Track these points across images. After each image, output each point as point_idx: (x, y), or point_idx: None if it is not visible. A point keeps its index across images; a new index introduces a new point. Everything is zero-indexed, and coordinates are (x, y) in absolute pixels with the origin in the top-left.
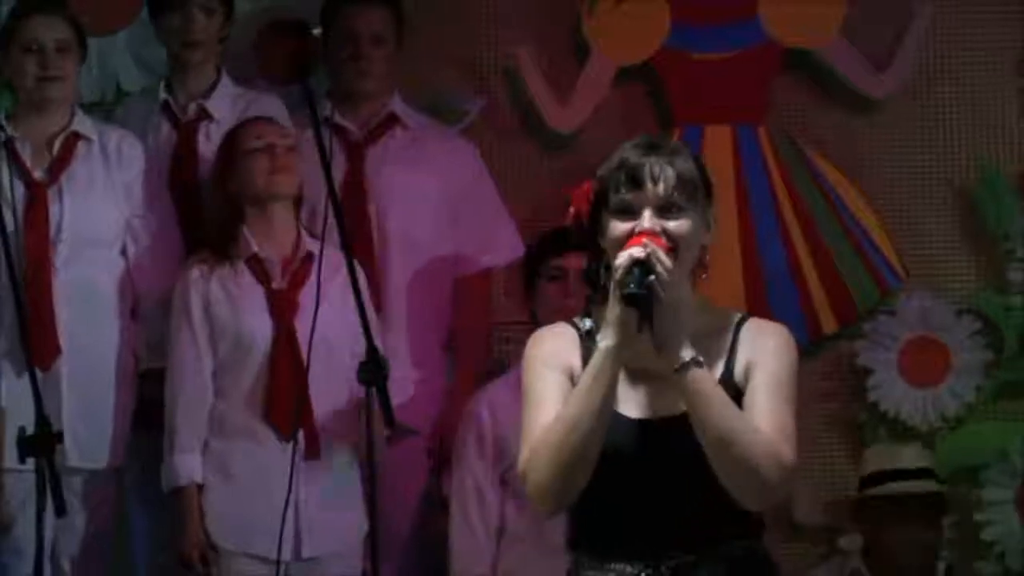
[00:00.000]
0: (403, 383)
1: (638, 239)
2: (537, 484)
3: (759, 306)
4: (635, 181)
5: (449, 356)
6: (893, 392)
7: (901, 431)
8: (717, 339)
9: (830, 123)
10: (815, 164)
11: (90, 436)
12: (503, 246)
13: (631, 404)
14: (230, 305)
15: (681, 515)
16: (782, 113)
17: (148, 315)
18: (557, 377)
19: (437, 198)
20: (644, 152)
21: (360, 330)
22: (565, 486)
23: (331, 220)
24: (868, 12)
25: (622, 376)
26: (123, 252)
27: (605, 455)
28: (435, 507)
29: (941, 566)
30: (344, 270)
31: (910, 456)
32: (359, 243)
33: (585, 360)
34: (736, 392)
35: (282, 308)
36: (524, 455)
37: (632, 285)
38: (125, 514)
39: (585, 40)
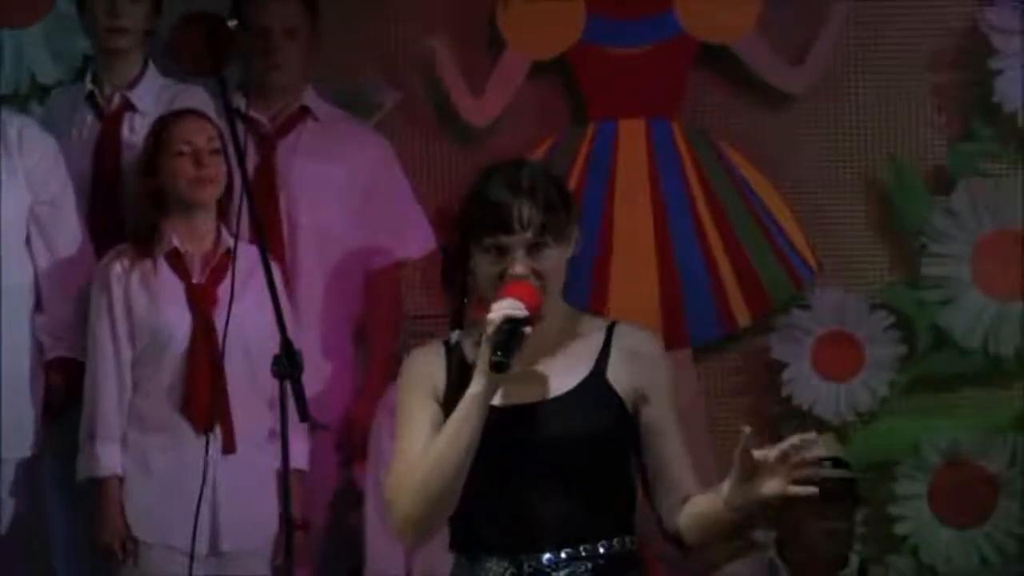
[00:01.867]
0: (314, 376)
1: (510, 290)
2: (401, 519)
3: (673, 299)
4: (502, 224)
5: (360, 349)
6: (806, 386)
7: (814, 425)
8: (584, 339)
9: (745, 118)
10: (729, 158)
11: (8, 426)
12: (415, 238)
13: (502, 393)
14: (149, 299)
15: (548, 509)
16: (697, 108)
17: (52, 304)
18: (424, 402)
19: (347, 190)
20: (510, 191)
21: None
22: (426, 521)
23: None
24: (783, 7)
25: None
26: (27, 241)
27: (482, 444)
28: (350, 501)
29: (855, 560)
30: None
31: (823, 446)
32: (271, 236)
33: (448, 373)
34: (607, 392)
35: (201, 302)
36: (390, 484)
37: (500, 353)
38: (41, 503)
39: (500, 34)
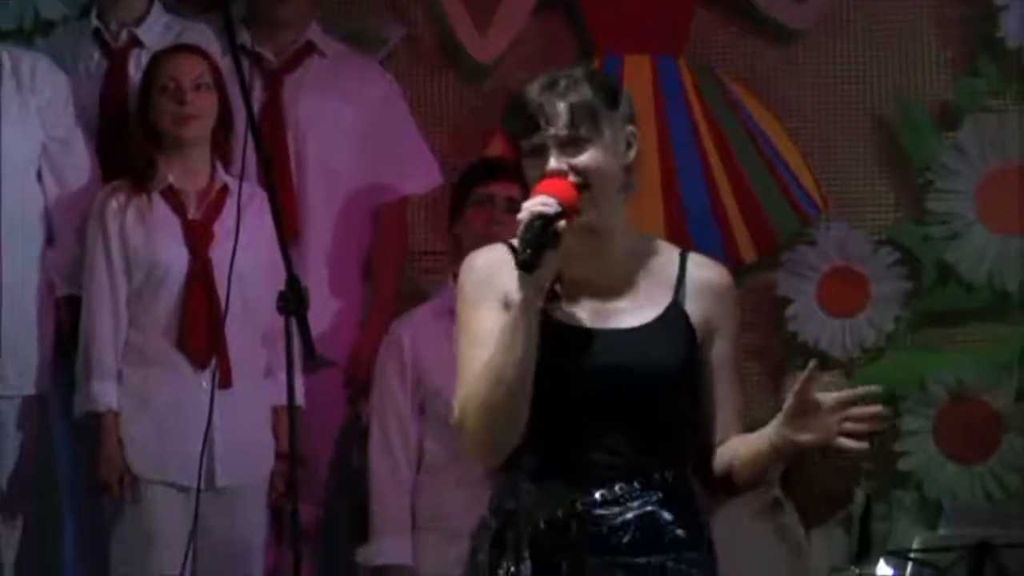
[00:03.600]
0: (322, 313)
1: (542, 186)
2: (471, 441)
3: (679, 236)
4: (534, 124)
5: (367, 286)
6: (812, 322)
7: (820, 360)
8: (659, 265)
9: (750, 54)
10: (735, 95)
11: (16, 364)
12: (420, 175)
13: (575, 314)
14: (146, 235)
15: (617, 435)
16: (702, 44)
17: (63, 242)
18: (492, 310)
19: (354, 127)
20: (539, 91)
21: (278, 260)
22: (497, 442)
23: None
24: None
25: (564, 287)
26: (39, 177)
27: (543, 365)
28: (355, 438)
29: (860, 495)
30: (259, 200)
31: (827, 382)
32: (278, 171)
33: None
34: (686, 323)
35: (198, 239)
36: (458, 405)
37: (528, 251)
38: (48, 440)
39: None
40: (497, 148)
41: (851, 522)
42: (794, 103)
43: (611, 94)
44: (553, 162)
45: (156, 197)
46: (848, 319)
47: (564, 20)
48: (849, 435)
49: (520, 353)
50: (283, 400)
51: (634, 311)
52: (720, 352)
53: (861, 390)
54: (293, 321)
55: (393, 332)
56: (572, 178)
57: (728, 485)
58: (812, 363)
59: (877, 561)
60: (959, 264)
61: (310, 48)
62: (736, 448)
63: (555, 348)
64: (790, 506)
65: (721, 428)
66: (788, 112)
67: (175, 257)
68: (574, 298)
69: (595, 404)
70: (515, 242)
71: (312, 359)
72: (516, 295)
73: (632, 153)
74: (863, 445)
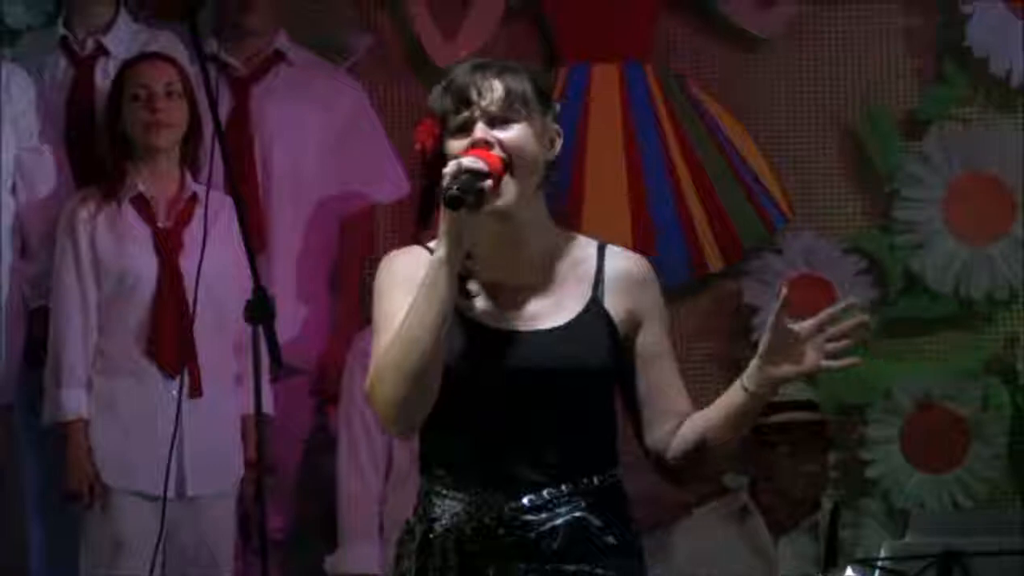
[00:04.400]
0: (290, 321)
1: (468, 152)
2: (382, 402)
3: (645, 242)
4: (463, 99)
5: (335, 293)
6: None
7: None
8: (577, 261)
9: (717, 61)
10: (702, 102)
11: None
12: (389, 183)
13: (492, 315)
14: (115, 243)
15: (544, 439)
16: (669, 51)
17: (36, 253)
18: (406, 299)
19: (321, 134)
20: (471, 71)
21: (246, 269)
22: (409, 403)
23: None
24: None
25: (481, 288)
26: (12, 189)
27: (462, 367)
28: (323, 447)
29: (827, 504)
30: (228, 209)
31: (794, 388)
32: (245, 180)
33: None
34: (605, 320)
35: (167, 247)
36: (370, 375)
37: (456, 188)
38: (16, 449)
39: None
40: (422, 135)
41: (818, 530)
42: (761, 111)
43: (542, 89)
44: (479, 131)
45: (126, 205)
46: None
47: (532, 29)
48: (834, 357)
49: (434, 315)
50: (251, 408)
51: (553, 310)
52: (649, 340)
53: (840, 304)
54: (260, 330)
55: (359, 341)
56: (496, 150)
57: (696, 463)
58: (783, 291)
59: (844, 569)
60: (925, 272)
61: (278, 56)
62: (704, 418)
63: (472, 350)
64: (758, 513)
65: (672, 410)
66: (755, 120)
67: (145, 265)
68: (490, 299)
69: (518, 408)
70: (431, 243)
71: (279, 367)
72: (437, 252)
73: (555, 152)
74: (853, 359)
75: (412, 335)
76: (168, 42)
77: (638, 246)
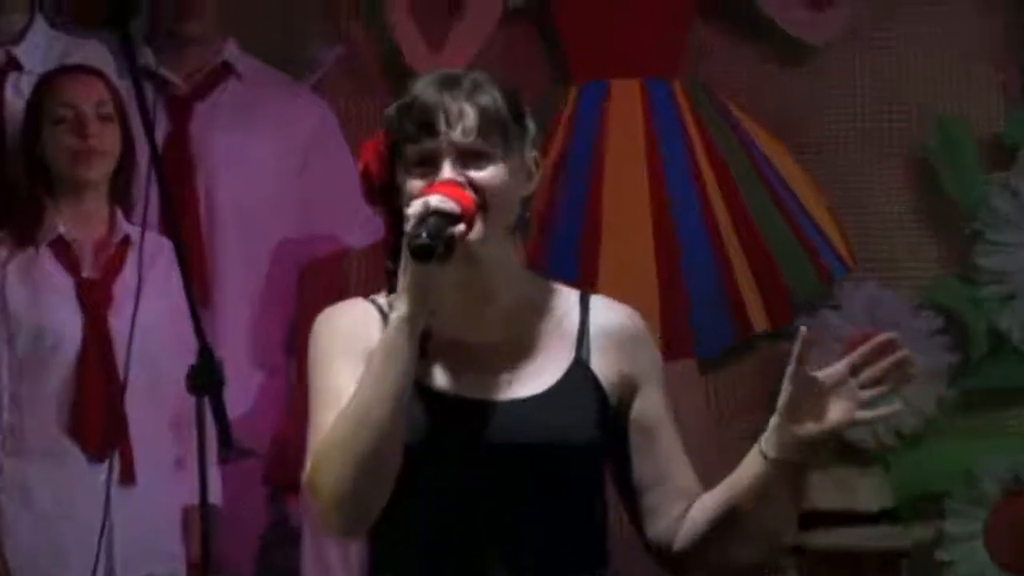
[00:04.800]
0: (241, 391)
1: (436, 186)
2: (325, 494)
3: (675, 298)
4: (429, 126)
5: (293, 359)
6: None
7: (847, 451)
8: (557, 315)
9: (759, 76)
10: (742, 125)
11: None
12: (360, 223)
13: (456, 381)
14: (31, 296)
15: (521, 535)
16: (702, 64)
17: None
18: (353, 368)
19: (279, 164)
20: (438, 89)
21: (188, 327)
22: (359, 495)
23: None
24: None
25: (437, 349)
26: None
27: (421, 448)
28: (282, 541)
29: None
30: (167, 255)
31: (866, 492)
32: (185, 220)
33: None
34: (592, 385)
35: (94, 301)
36: (309, 461)
37: (424, 235)
38: None
39: None
40: (368, 154)
41: None
42: (812, 135)
43: (519, 107)
44: (448, 171)
45: (44, 250)
46: (880, 399)
47: (535, 38)
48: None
49: (393, 385)
50: (195, 498)
51: (528, 374)
52: (648, 407)
53: (874, 340)
54: (206, 402)
55: None
56: (467, 191)
57: (707, 552)
58: (802, 331)
59: None
60: (1014, 332)
61: (225, 70)
62: (714, 499)
63: (432, 426)
64: None
65: (674, 494)
66: (805, 145)
67: (66, 323)
68: (453, 362)
69: (489, 497)
70: (378, 297)
71: (229, 448)
72: (397, 311)
73: (533, 184)
74: (892, 407)
75: (364, 410)
76: (94, 53)
77: (666, 301)
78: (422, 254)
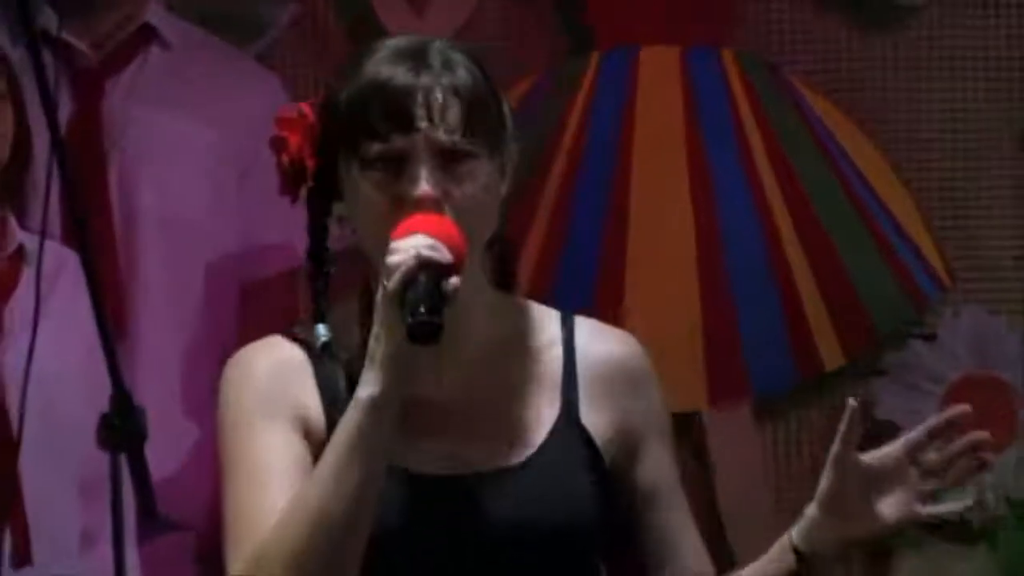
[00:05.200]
0: (167, 446)
1: (415, 223)
2: None
3: (724, 324)
4: (401, 120)
5: None
6: None
7: (945, 524)
8: (537, 352)
9: (833, 45)
10: (811, 108)
11: None
12: None
13: (419, 454)
14: None
15: None
16: (758, 29)
17: None
18: (282, 432)
19: (215, 156)
20: (410, 66)
21: (100, 364)
22: None
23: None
24: None
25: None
26: None
27: (386, 536)
28: None
29: None
30: (72, 270)
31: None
32: (96, 227)
33: (325, 393)
34: (583, 443)
35: None
36: (243, 562)
37: (423, 310)
38: None
39: None
40: (290, 135)
41: None
42: (901, 120)
43: (498, 92)
44: (426, 186)
45: None
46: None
47: None
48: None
49: (357, 484)
50: None
51: (508, 438)
52: (650, 469)
53: (945, 414)
54: (122, 460)
55: None
56: (450, 214)
57: None
58: (849, 403)
59: None
60: None
61: (147, 35)
62: None
63: (399, 509)
64: None
65: (685, 571)
66: (893, 133)
67: None
68: (418, 427)
69: None
70: (300, 329)
71: (152, 519)
72: (367, 390)
73: (505, 186)
74: (963, 502)
75: (320, 511)
76: None
77: (712, 328)
78: (428, 337)
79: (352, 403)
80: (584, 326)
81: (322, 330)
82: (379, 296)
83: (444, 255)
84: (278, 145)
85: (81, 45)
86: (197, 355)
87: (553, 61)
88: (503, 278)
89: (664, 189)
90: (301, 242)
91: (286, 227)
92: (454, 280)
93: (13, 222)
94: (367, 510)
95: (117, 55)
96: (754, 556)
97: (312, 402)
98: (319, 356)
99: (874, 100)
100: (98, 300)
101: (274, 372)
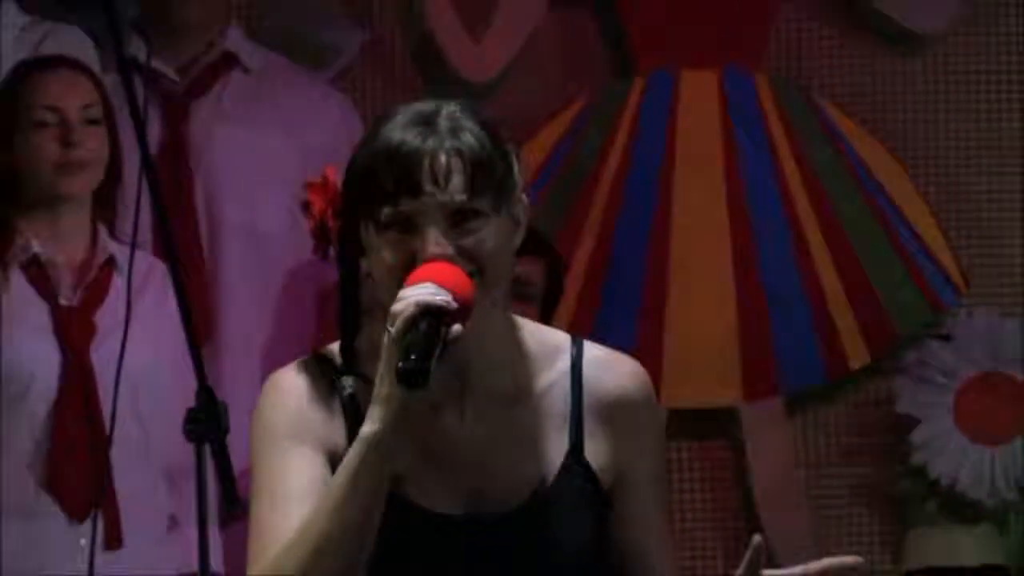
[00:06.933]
0: (245, 440)
1: (425, 270)
2: None
3: (757, 328)
4: (409, 184)
5: None
6: (948, 452)
7: (959, 506)
8: (543, 384)
9: (859, 69)
10: (838, 127)
11: None
12: None
13: (429, 492)
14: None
15: None
16: (790, 55)
17: None
18: (306, 458)
19: (293, 171)
20: (418, 132)
21: (186, 363)
22: None
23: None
24: None
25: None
26: None
27: (399, 572)
28: None
29: None
30: (160, 278)
31: (974, 547)
32: (183, 240)
33: (350, 420)
34: (588, 479)
35: (73, 333)
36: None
37: (413, 356)
38: None
39: None
40: (317, 202)
41: None
42: (921, 137)
43: (508, 152)
44: (435, 244)
45: (15, 273)
46: (999, 447)
47: (591, 22)
48: None
49: (357, 515)
50: (192, 564)
51: (519, 475)
52: (640, 500)
53: (826, 561)
54: (206, 451)
55: None
56: (463, 265)
57: None
58: (755, 539)
59: None
60: None
61: (229, 62)
62: None
63: (408, 549)
64: None
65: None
66: (913, 150)
67: (41, 359)
68: (429, 465)
69: None
70: (331, 352)
71: (233, 506)
72: (370, 426)
73: (519, 236)
74: None
75: (322, 540)
76: (75, 39)
77: (747, 332)
78: (413, 381)
79: (357, 438)
80: (593, 356)
81: (348, 381)
82: (385, 340)
83: (448, 301)
84: (305, 209)
85: (168, 71)
86: (276, 354)
87: (598, 85)
88: (550, 289)
89: (703, 202)
90: None
91: None
92: (456, 328)
93: (105, 235)
94: (366, 539)
95: (201, 80)
96: (784, 533)
97: (338, 427)
98: (346, 399)
99: (896, 119)
100: (185, 305)
101: (305, 397)
